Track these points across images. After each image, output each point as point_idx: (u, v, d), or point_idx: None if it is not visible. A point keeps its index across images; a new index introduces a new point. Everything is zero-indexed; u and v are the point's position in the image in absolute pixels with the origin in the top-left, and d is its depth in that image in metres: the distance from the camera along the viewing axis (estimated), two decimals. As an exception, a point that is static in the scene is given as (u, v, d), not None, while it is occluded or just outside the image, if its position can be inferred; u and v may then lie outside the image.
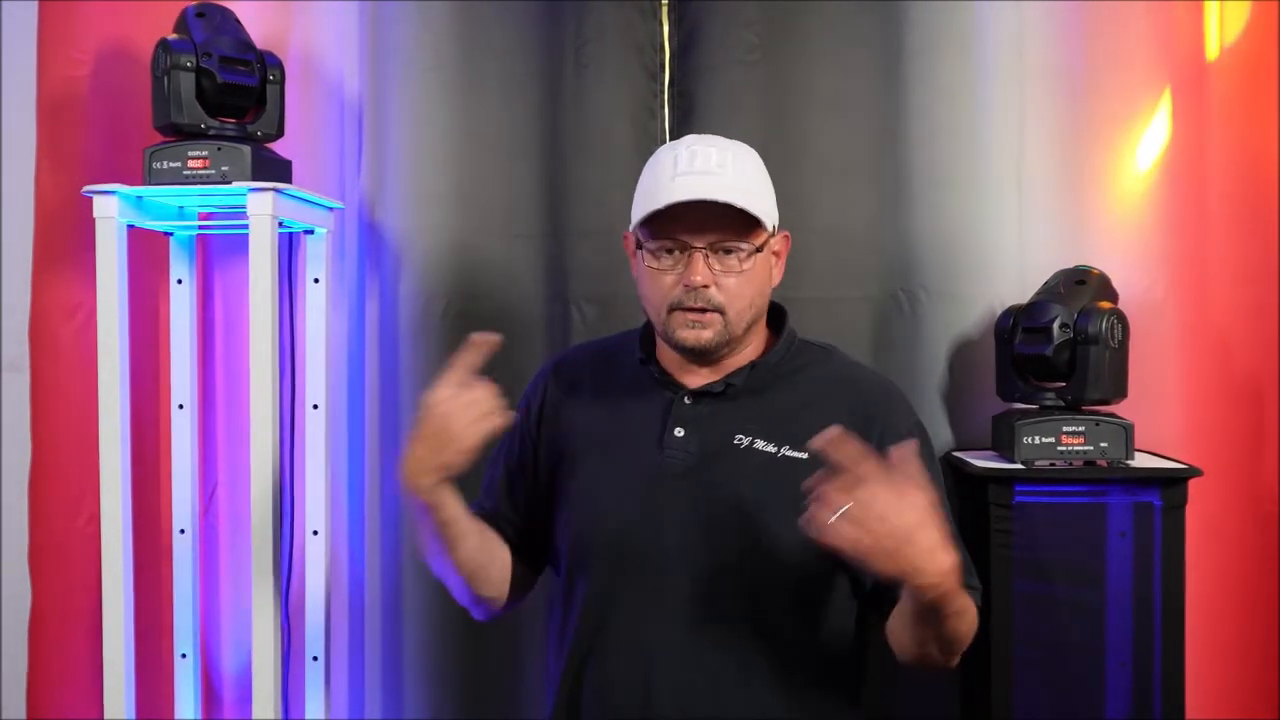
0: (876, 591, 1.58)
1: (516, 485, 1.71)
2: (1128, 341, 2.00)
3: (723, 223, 1.53)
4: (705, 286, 1.53)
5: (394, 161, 2.27)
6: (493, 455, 1.73)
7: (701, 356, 1.60)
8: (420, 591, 2.24)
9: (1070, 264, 2.12)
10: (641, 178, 1.61)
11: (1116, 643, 2.12)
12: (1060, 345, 2.00)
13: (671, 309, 1.56)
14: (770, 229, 1.58)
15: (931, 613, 1.38)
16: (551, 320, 2.27)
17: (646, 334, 1.68)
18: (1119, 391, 2.02)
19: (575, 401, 1.68)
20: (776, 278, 1.64)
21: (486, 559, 1.64)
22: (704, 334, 1.56)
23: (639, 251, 1.59)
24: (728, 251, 1.54)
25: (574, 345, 1.89)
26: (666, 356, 1.65)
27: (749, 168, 1.60)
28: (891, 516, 1.29)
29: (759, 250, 1.56)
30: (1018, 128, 2.20)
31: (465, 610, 2.19)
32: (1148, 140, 2.20)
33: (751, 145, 2.09)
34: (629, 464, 1.61)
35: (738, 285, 1.55)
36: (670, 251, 1.55)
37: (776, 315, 1.69)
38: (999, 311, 2.15)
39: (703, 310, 1.54)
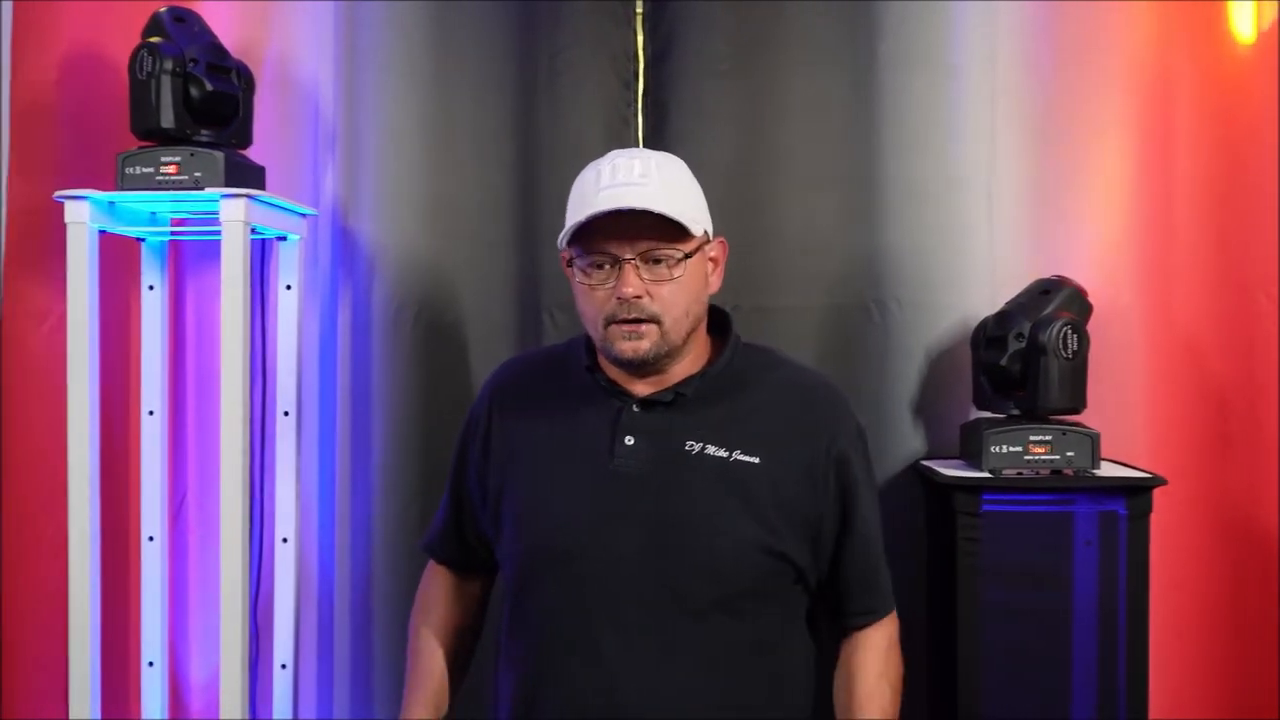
0: (824, 593, 1.63)
1: (480, 517, 1.72)
2: (1085, 352, 1.99)
3: (651, 232, 1.53)
4: (638, 297, 1.54)
5: (367, 168, 2.27)
6: (445, 496, 1.81)
7: (640, 368, 1.60)
8: (390, 600, 2.23)
9: (1041, 273, 2.12)
10: (570, 197, 1.62)
11: (1082, 651, 2.14)
12: (1013, 355, 2.01)
13: (608, 323, 1.57)
14: (702, 234, 1.59)
15: None
16: (523, 327, 2.26)
17: (591, 342, 1.68)
18: (1076, 402, 2.00)
19: (521, 413, 1.69)
20: (715, 285, 1.66)
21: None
22: (641, 344, 1.56)
23: (571, 269, 1.61)
24: (658, 260, 1.55)
25: (515, 357, 1.90)
26: (612, 367, 1.65)
27: (673, 175, 1.61)
28: None
29: (689, 256, 1.56)
30: (989, 137, 2.21)
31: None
32: (1117, 149, 2.22)
33: (725, 154, 2.17)
34: (580, 473, 1.61)
35: (671, 293, 1.56)
36: (601, 266, 1.56)
37: (719, 320, 1.70)
38: (970, 321, 2.16)
39: (638, 321, 1.55)
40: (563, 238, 1.58)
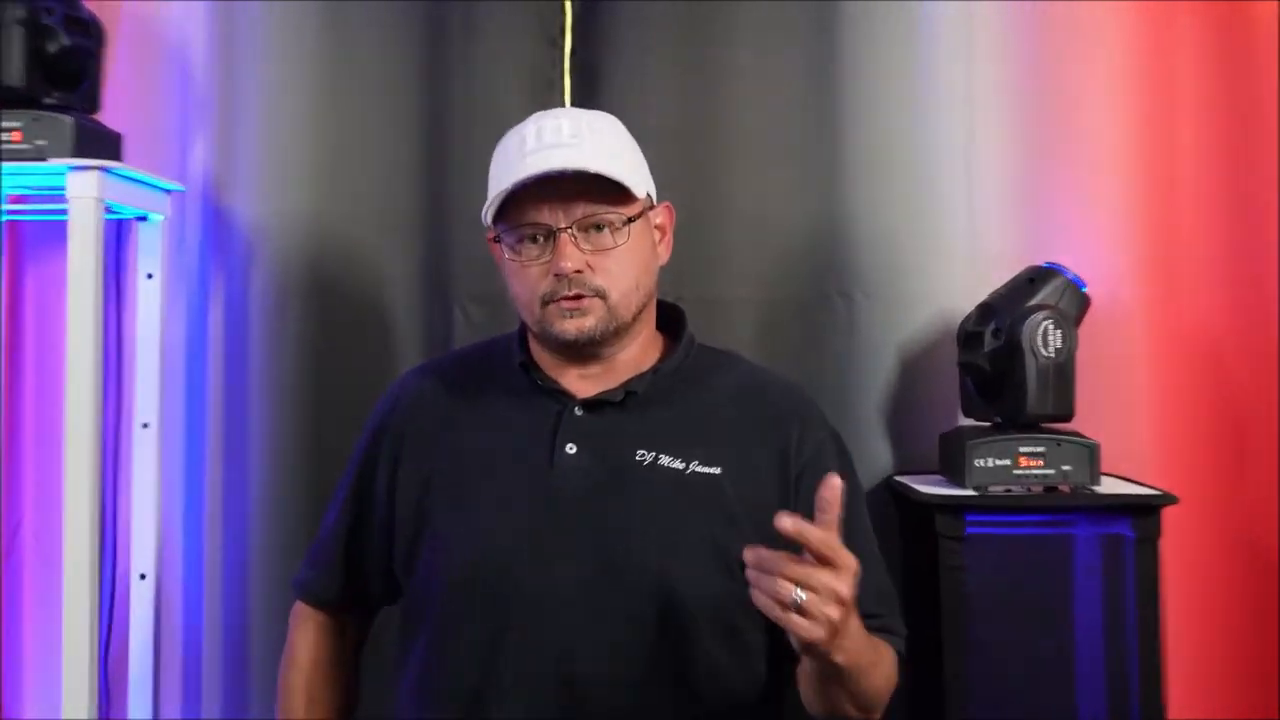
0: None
1: (380, 542, 1.57)
2: (1072, 351, 1.88)
3: (587, 196, 1.44)
4: (578, 271, 1.44)
5: (246, 136, 2.13)
6: (331, 520, 1.62)
7: (585, 350, 1.48)
8: (270, 646, 2.00)
9: (1032, 260, 2.01)
10: (491, 167, 1.52)
11: (1088, 696, 2.02)
12: (988, 354, 1.91)
13: (545, 302, 1.46)
14: (645, 197, 1.50)
15: (837, 673, 1.30)
16: (430, 323, 2.12)
17: (524, 334, 1.58)
18: (1060, 408, 1.88)
19: (440, 425, 1.56)
20: (664, 256, 1.56)
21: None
22: (585, 321, 1.45)
23: (499, 245, 1.51)
24: (598, 228, 1.45)
25: (423, 364, 1.77)
26: (548, 361, 1.53)
27: (608, 134, 1.51)
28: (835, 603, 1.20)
29: (633, 220, 1.46)
30: (966, 102, 2.10)
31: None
32: (1111, 117, 2.10)
33: (662, 121, 2.06)
34: (513, 489, 1.48)
35: (617, 263, 1.46)
36: (534, 239, 1.46)
37: (671, 318, 1.61)
38: (948, 314, 2.06)
39: (580, 296, 1.45)
40: (486, 211, 1.47)
